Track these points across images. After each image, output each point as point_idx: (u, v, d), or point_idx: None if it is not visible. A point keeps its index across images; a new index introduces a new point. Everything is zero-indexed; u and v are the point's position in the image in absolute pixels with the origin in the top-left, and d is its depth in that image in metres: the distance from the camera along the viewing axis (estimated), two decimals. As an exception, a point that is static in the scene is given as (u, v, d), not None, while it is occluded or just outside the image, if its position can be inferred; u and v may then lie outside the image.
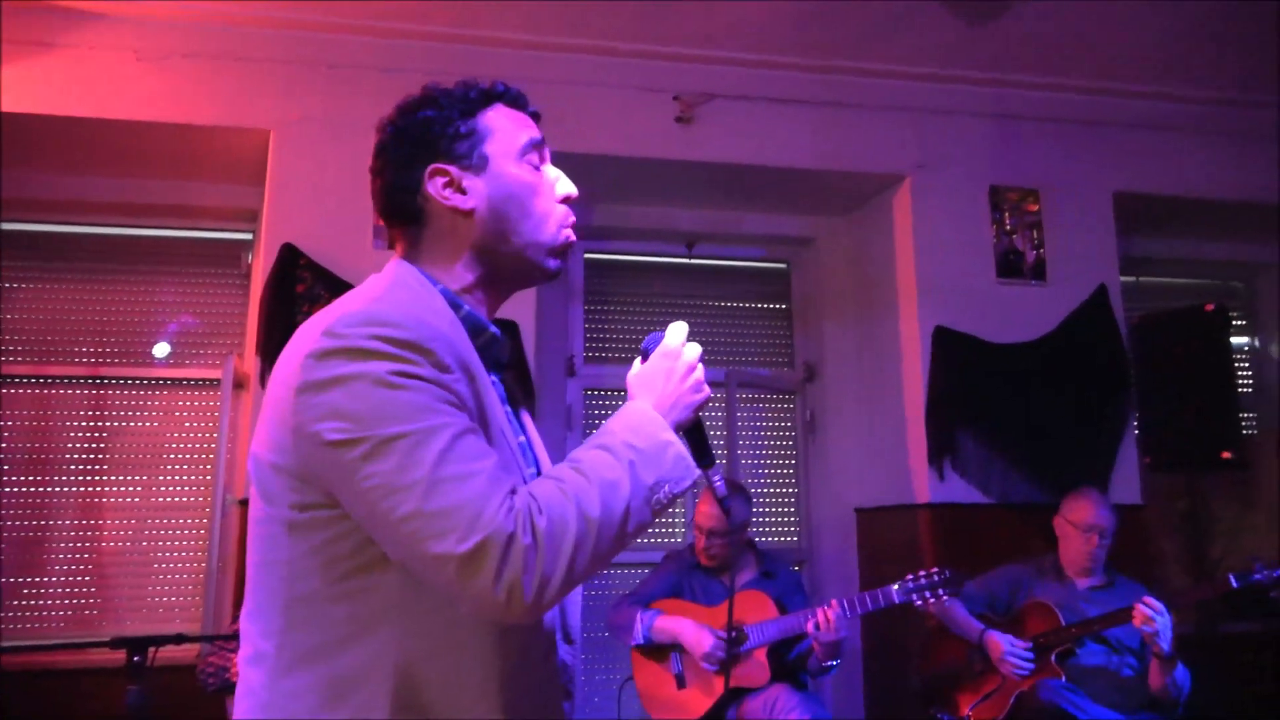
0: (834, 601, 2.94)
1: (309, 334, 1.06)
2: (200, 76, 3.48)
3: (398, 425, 0.99)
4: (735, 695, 3.05)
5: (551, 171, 1.25)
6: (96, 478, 3.72)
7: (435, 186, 1.18)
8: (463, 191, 1.18)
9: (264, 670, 1.08)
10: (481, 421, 1.08)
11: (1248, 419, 4.65)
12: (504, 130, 1.22)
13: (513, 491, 1.01)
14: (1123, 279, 4.15)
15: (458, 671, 1.07)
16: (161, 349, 3.88)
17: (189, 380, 3.86)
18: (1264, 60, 3.98)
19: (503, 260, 1.20)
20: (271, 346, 3.37)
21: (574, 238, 1.25)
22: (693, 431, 1.18)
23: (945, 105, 4.05)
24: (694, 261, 4.43)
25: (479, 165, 1.19)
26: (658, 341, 1.21)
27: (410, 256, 1.21)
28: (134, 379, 3.82)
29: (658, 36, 3.72)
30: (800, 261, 4.55)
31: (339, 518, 1.04)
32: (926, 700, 3.26)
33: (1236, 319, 4.76)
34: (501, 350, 1.22)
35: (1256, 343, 4.93)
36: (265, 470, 1.09)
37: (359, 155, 3.90)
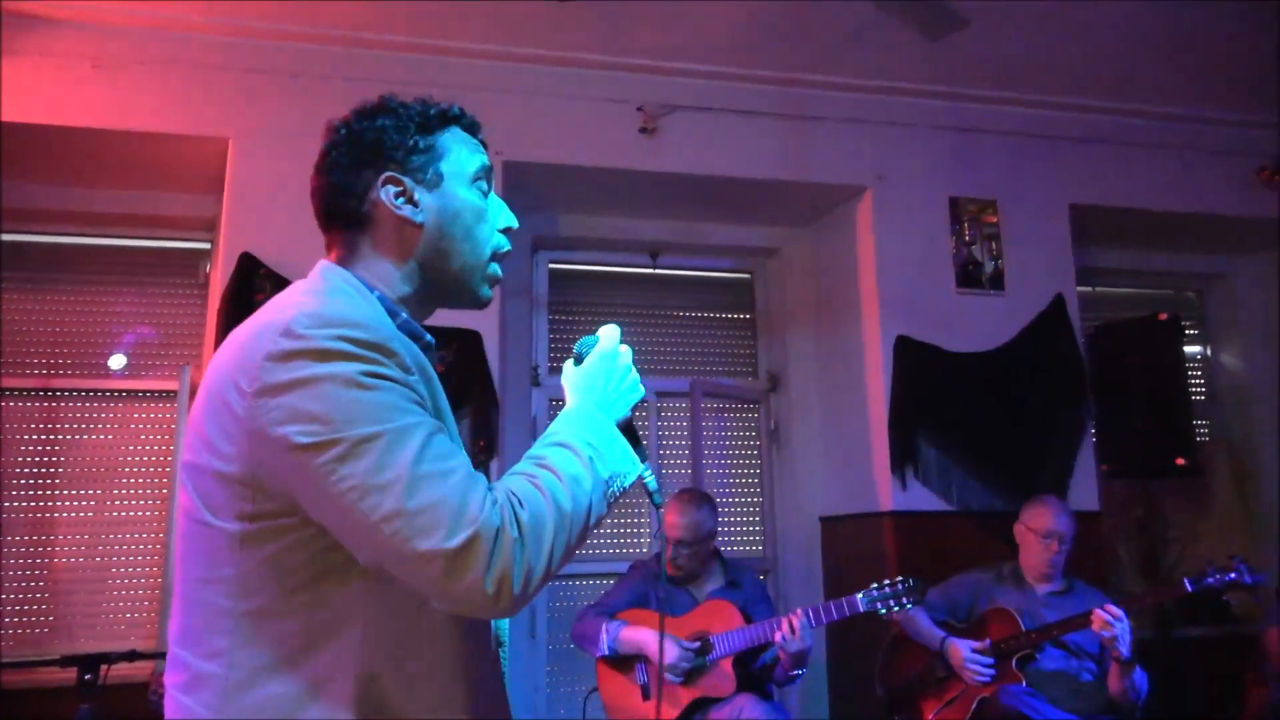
0: (798, 611, 2.95)
1: (259, 336, 1.03)
2: (158, 84, 3.43)
3: (371, 426, 0.98)
4: (701, 705, 3.04)
5: (495, 202, 1.27)
6: (49, 492, 3.64)
7: (387, 194, 1.18)
8: (414, 204, 1.19)
9: (210, 692, 1.03)
10: (442, 423, 1.08)
11: (1201, 426, 4.76)
12: (459, 153, 1.23)
13: (490, 489, 1.02)
14: (1079, 289, 4.23)
15: (419, 675, 1.06)
16: (117, 360, 3.81)
17: (144, 392, 3.79)
18: (1215, 77, 4.09)
19: (441, 277, 1.21)
20: (230, 357, 3.32)
21: (500, 275, 1.27)
22: (628, 430, 1.22)
23: (905, 118, 4.11)
24: (658, 272, 4.44)
25: (433, 182, 1.20)
26: (589, 345, 1.25)
27: (344, 261, 1.20)
28: (88, 391, 3.74)
29: (621, 48, 3.74)
30: (764, 272, 4.57)
31: (293, 526, 1.02)
32: (890, 708, 3.28)
33: (1189, 328, 4.86)
34: (434, 359, 1.20)
35: (1209, 351, 5.05)
36: (206, 480, 1.05)
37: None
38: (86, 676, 2.20)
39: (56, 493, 3.64)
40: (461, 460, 1.02)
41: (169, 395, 3.73)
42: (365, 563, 1.01)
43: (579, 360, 1.25)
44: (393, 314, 1.16)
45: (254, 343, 1.03)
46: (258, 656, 1.02)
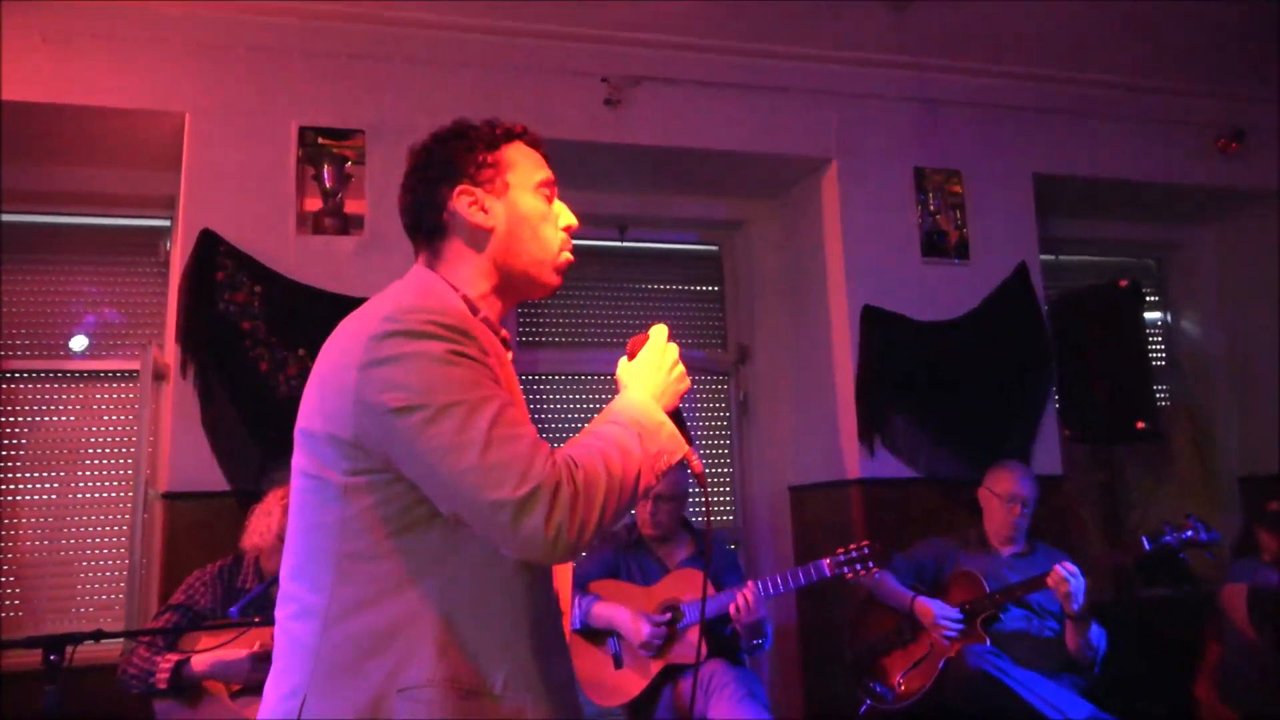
0: (750, 583, 2.99)
1: (365, 322, 1.22)
2: (110, 57, 3.35)
3: (453, 395, 1.15)
4: (672, 672, 3.07)
5: (558, 205, 1.45)
6: (10, 475, 3.58)
7: (462, 205, 1.36)
8: (485, 211, 1.37)
9: (314, 622, 1.21)
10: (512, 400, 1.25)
11: (1161, 391, 4.85)
12: (522, 164, 1.41)
13: (552, 452, 1.18)
14: (1042, 258, 4.28)
15: (490, 617, 1.23)
16: (78, 341, 3.75)
17: (106, 372, 3.73)
18: (1174, 47, 4.14)
19: (512, 273, 1.39)
20: (192, 335, 3.29)
21: (572, 259, 1.44)
22: (675, 416, 1.37)
23: (870, 89, 4.11)
24: (626, 245, 4.43)
25: (500, 191, 1.38)
26: (639, 343, 1.42)
27: (431, 265, 1.39)
28: (48, 372, 3.69)
29: (585, 19, 3.70)
30: (731, 245, 4.58)
31: (390, 481, 1.20)
32: (858, 671, 3.33)
33: (1150, 295, 4.94)
34: (506, 351, 1.38)
35: (1168, 318, 5.14)
36: (320, 442, 1.23)
37: (279, 138, 3.83)
38: (52, 658, 2.15)
39: (18, 475, 3.59)
40: (529, 429, 1.19)
41: (131, 375, 3.68)
42: (446, 512, 1.19)
43: (631, 355, 1.42)
44: (473, 310, 1.34)
45: (361, 327, 1.22)
46: (356, 593, 1.20)
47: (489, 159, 1.38)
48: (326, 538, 1.22)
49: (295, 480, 1.28)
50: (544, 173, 1.43)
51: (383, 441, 1.18)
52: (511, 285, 1.40)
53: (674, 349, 1.42)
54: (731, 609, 2.96)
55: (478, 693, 1.20)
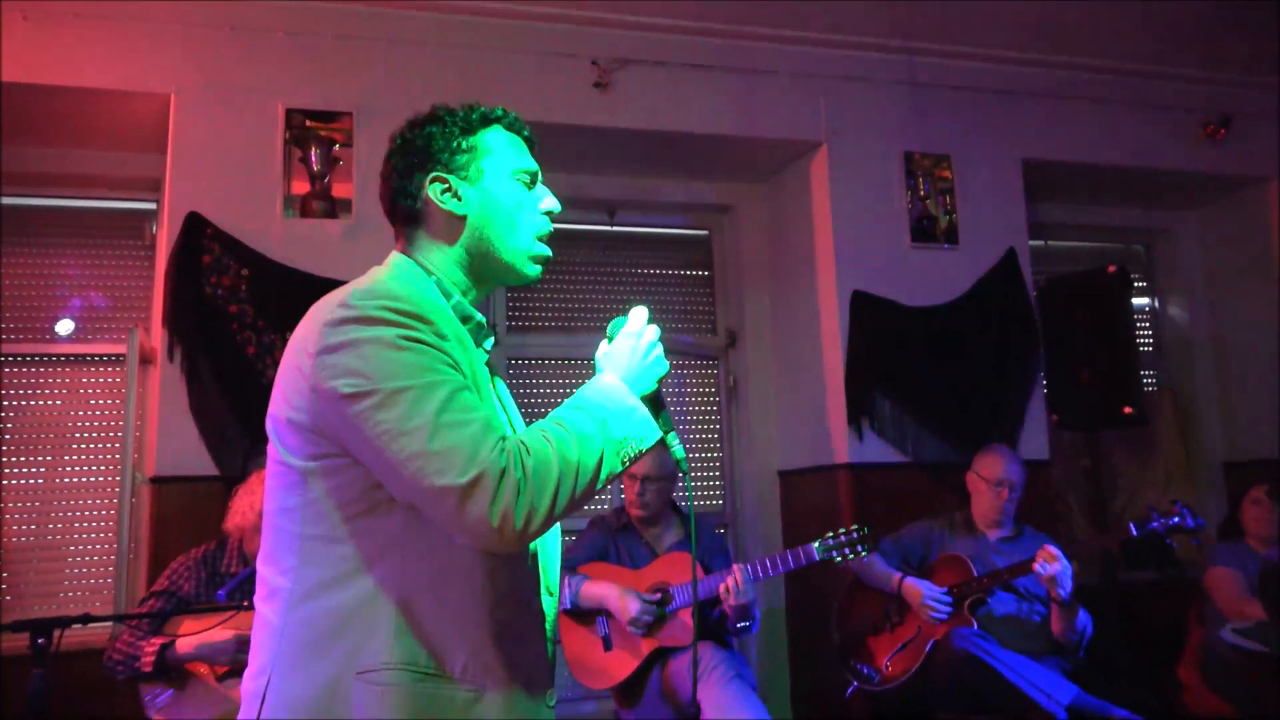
0: (735, 566, 3.00)
1: (324, 308, 1.23)
2: (93, 37, 3.31)
3: (403, 380, 1.15)
4: (661, 655, 3.09)
5: (540, 189, 1.42)
6: (-4, 460, 3.57)
7: (435, 192, 1.35)
8: (458, 198, 1.36)
9: (279, 602, 1.23)
10: (472, 384, 1.24)
11: (1147, 377, 4.88)
12: (499, 150, 1.39)
13: (503, 438, 1.17)
14: (1030, 243, 4.29)
15: (451, 602, 1.22)
16: (64, 325, 3.72)
17: (93, 356, 3.71)
18: (1163, 33, 4.14)
19: (486, 261, 1.38)
20: (179, 319, 3.27)
21: (549, 251, 1.41)
22: (654, 401, 1.35)
23: (859, 74, 4.10)
24: (616, 230, 4.42)
25: (474, 178, 1.37)
26: (619, 325, 1.40)
27: (407, 250, 1.38)
28: (34, 356, 3.66)
29: (574, 1, 3.68)
30: (720, 229, 4.57)
31: (349, 465, 1.20)
32: (845, 654, 3.35)
33: (1137, 281, 4.96)
34: (486, 336, 1.39)
35: (1155, 304, 5.16)
36: (284, 427, 1.24)
37: (265, 120, 3.79)
38: (39, 641, 2.15)
39: (4, 460, 3.57)
40: (480, 414, 1.18)
41: (118, 359, 3.66)
42: (398, 498, 1.18)
43: (610, 339, 1.40)
44: (446, 294, 1.34)
45: (319, 314, 1.22)
46: (317, 575, 1.21)
47: (464, 145, 1.37)
48: (291, 521, 1.24)
49: (268, 466, 1.30)
50: (523, 159, 1.40)
51: (337, 427, 1.18)
52: (486, 272, 1.39)
53: (653, 331, 1.39)
54: (721, 590, 2.97)
55: (436, 676, 1.20)
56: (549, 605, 1.37)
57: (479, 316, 1.37)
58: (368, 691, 1.17)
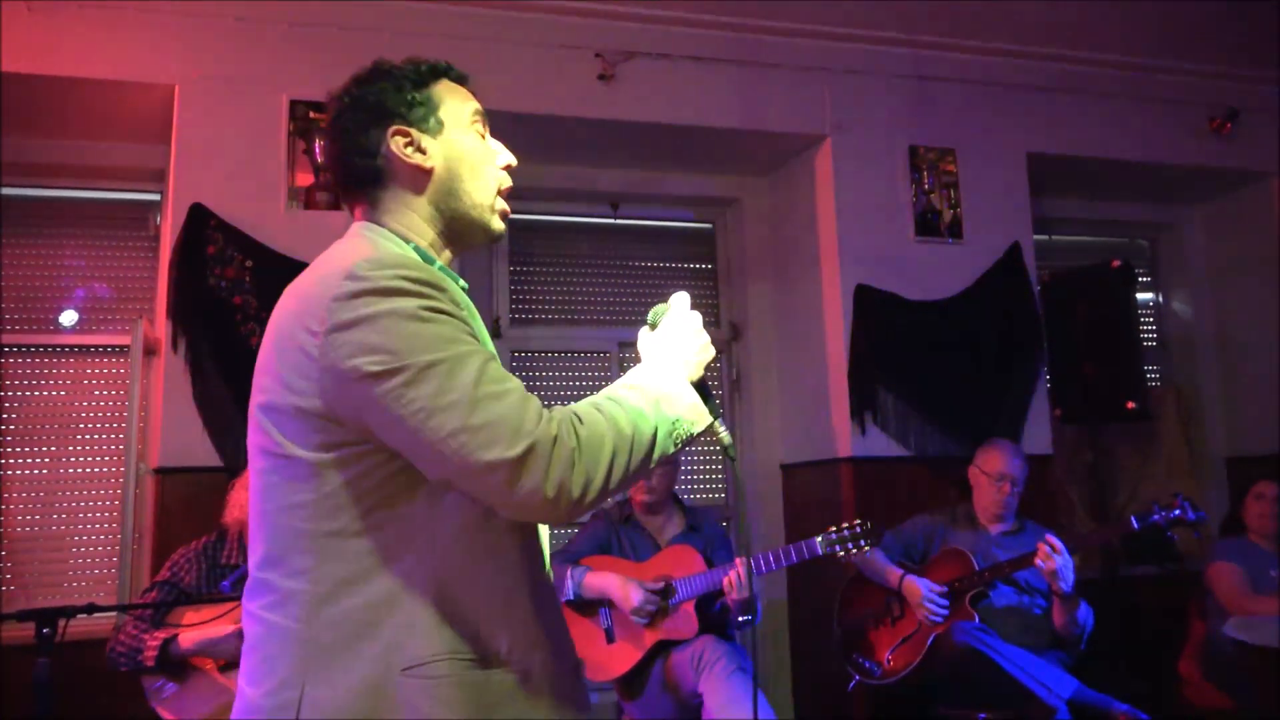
0: (738, 560, 3.01)
1: (322, 283, 1.13)
2: (98, 29, 3.31)
3: (432, 353, 1.07)
4: (664, 647, 3.10)
5: (494, 142, 1.36)
6: (1, 449, 3.57)
7: (398, 145, 1.27)
8: (423, 151, 1.28)
9: (296, 607, 1.13)
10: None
11: (1151, 372, 4.87)
12: (452, 100, 1.33)
13: (547, 407, 1.11)
14: (1035, 238, 4.28)
15: (486, 584, 1.17)
16: (68, 316, 3.73)
17: (97, 347, 3.72)
18: (1169, 26, 4.12)
19: (455, 216, 1.31)
20: (183, 310, 3.27)
21: (508, 209, 1.36)
22: (700, 387, 1.30)
23: (864, 66, 4.09)
24: (619, 222, 4.41)
25: (435, 129, 1.29)
26: (661, 313, 1.35)
27: (372, 217, 1.29)
28: (38, 347, 3.67)
29: (579, -8, 3.67)
30: (724, 222, 4.57)
31: (367, 453, 1.12)
32: (846, 647, 3.36)
33: (1141, 276, 4.95)
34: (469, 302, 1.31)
35: (1160, 298, 5.15)
36: (284, 417, 1.14)
37: (269, 111, 3.79)
38: (44, 630, 2.17)
39: (9, 450, 3.58)
40: (516, 383, 1.11)
41: (122, 350, 3.67)
42: (434, 479, 1.11)
43: (653, 326, 1.35)
44: (429, 261, 1.25)
45: (319, 289, 1.13)
46: (340, 572, 1.13)
47: (419, 98, 1.29)
48: (301, 519, 1.14)
49: (256, 461, 1.19)
50: (474, 105, 1.35)
51: (359, 410, 1.09)
52: (455, 231, 1.32)
53: (697, 317, 1.34)
54: (725, 583, 2.97)
55: (485, 660, 1.14)
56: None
57: (462, 283, 1.30)
58: (417, 688, 1.10)
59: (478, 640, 1.14)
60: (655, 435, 1.17)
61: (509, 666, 1.16)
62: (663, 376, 1.25)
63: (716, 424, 1.30)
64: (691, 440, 1.24)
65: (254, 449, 1.19)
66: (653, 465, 1.18)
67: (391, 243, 1.24)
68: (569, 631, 1.31)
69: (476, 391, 1.07)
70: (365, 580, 1.12)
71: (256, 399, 1.19)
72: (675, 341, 1.31)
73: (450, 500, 1.14)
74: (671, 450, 1.20)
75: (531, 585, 1.22)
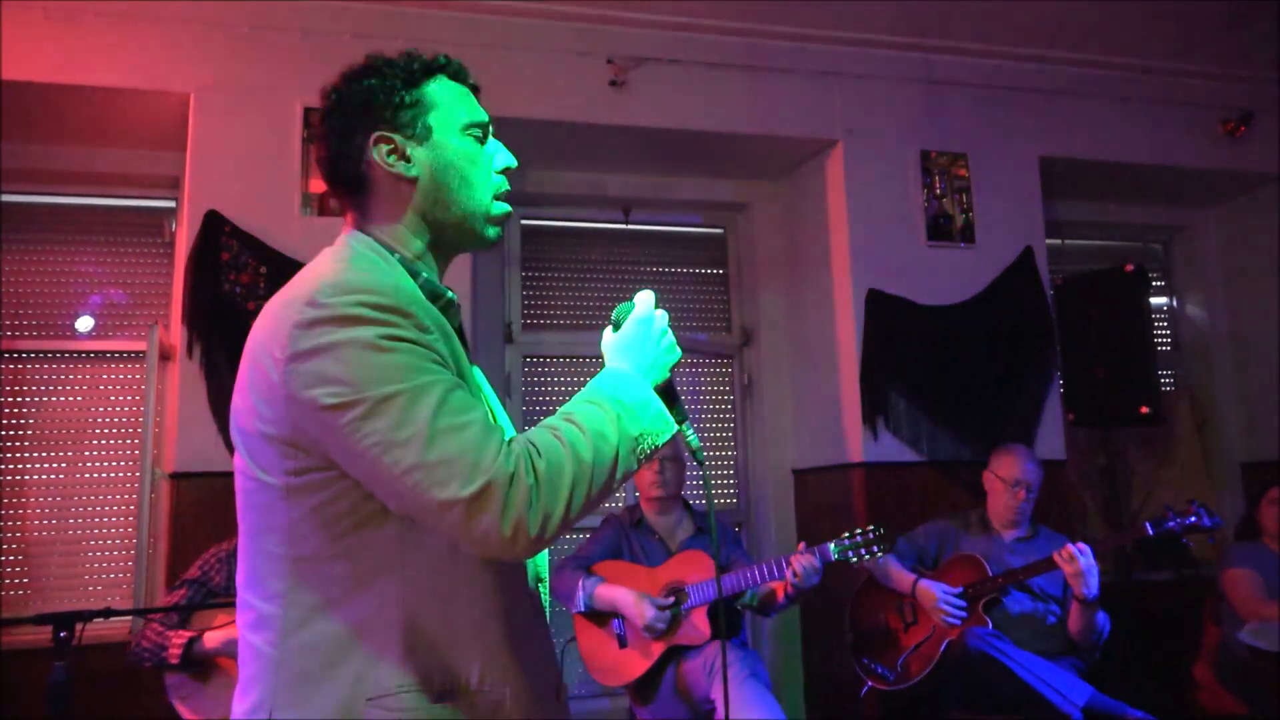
0: (801, 549, 2.98)
1: (289, 306, 1.10)
2: (114, 37, 3.34)
3: (390, 385, 1.04)
4: (676, 653, 3.10)
5: (492, 144, 1.30)
6: (17, 455, 3.60)
7: (379, 154, 1.22)
8: (406, 159, 1.22)
9: (270, 631, 1.12)
10: (460, 378, 1.14)
11: (1164, 376, 4.85)
12: (446, 102, 1.25)
13: (507, 441, 1.08)
14: (1047, 241, 4.27)
15: (459, 612, 1.14)
16: (83, 322, 3.76)
17: (112, 353, 3.74)
18: (1181, 29, 4.10)
19: (444, 226, 1.25)
20: (198, 316, 3.29)
21: (508, 208, 1.30)
22: (666, 390, 1.25)
23: (875, 71, 4.09)
24: (631, 228, 4.42)
25: (422, 135, 1.23)
26: (626, 311, 1.29)
27: (360, 225, 1.25)
28: (54, 353, 3.70)
29: (590, -1, 3.69)
30: (735, 227, 4.57)
31: (336, 478, 1.10)
32: (859, 653, 3.35)
33: (1155, 280, 4.93)
34: (456, 314, 1.26)
35: (1173, 302, 5.13)
36: (254, 441, 1.13)
37: (283, 118, 3.82)
38: (61, 634, 2.18)
39: (25, 455, 3.61)
40: (478, 414, 1.08)
41: (137, 355, 3.69)
42: (395, 511, 1.09)
43: (616, 326, 1.29)
44: (414, 274, 1.21)
45: (285, 312, 1.10)
46: (311, 598, 1.11)
47: (408, 99, 1.23)
48: (275, 542, 1.12)
49: (237, 481, 1.18)
50: (473, 111, 1.28)
51: (319, 440, 1.07)
52: (445, 240, 1.27)
53: (662, 317, 1.29)
54: (789, 573, 2.95)
55: (452, 692, 1.12)
56: (543, 593, 1.32)
57: (449, 293, 1.25)
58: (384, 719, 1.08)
59: (446, 671, 1.12)
60: (617, 456, 1.13)
61: (478, 697, 1.13)
62: (625, 386, 1.19)
63: (684, 428, 1.26)
64: (657, 452, 1.20)
65: (236, 470, 1.18)
66: (615, 487, 1.15)
67: (375, 258, 1.19)
68: (552, 650, 1.29)
69: (434, 425, 1.03)
70: (337, 606, 1.11)
71: (234, 418, 1.17)
72: (638, 344, 1.26)
73: (420, 530, 1.12)
74: (636, 467, 1.16)
75: (507, 611, 1.18)
